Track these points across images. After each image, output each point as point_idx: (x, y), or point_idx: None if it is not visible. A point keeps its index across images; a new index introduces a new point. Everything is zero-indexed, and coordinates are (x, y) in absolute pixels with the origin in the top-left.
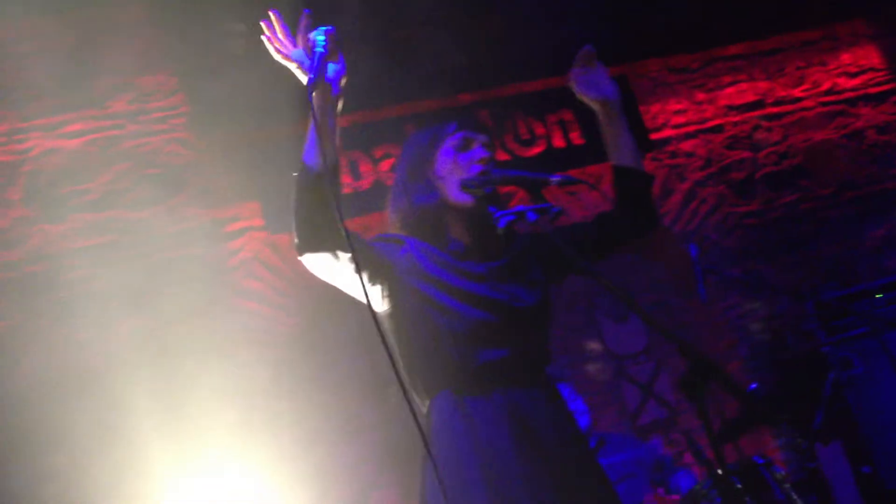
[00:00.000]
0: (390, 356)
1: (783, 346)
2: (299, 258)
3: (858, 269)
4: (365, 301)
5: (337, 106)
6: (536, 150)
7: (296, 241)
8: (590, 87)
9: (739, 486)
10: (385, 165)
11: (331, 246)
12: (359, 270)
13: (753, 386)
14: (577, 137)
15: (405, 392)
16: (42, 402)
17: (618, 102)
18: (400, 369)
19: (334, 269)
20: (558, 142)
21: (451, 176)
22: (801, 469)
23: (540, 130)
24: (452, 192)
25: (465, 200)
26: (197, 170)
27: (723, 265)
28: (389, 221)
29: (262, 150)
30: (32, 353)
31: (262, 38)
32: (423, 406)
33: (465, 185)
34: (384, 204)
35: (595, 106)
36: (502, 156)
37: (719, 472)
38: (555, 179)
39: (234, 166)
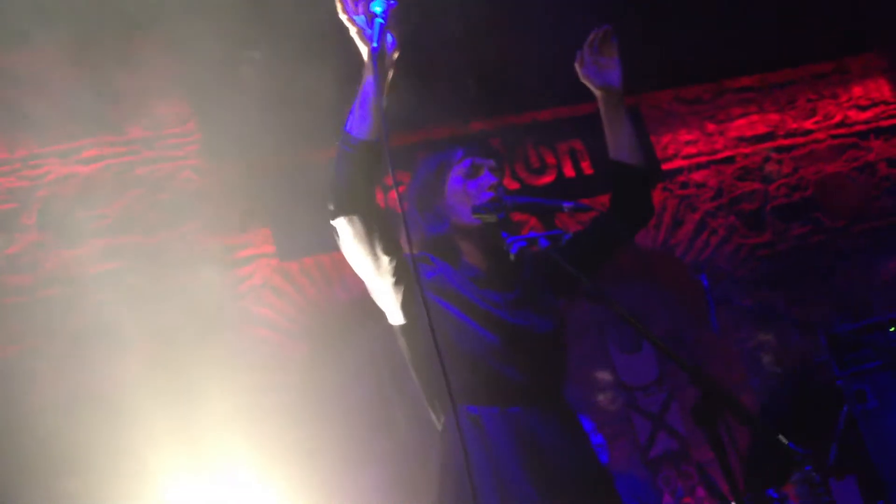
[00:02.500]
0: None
1: (796, 379)
2: (332, 222)
3: (871, 301)
4: (388, 308)
5: (386, 80)
6: (547, 178)
7: (331, 205)
8: (595, 73)
9: None
10: (394, 193)
11: (365, 212)
12: (400, 282)
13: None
14: (587, 167)
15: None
16: (54, 425)
17: (620, 92)
18: (416, 386)
19: (364, 241)
20: (569, 171)
21: (462, 204)
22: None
23: (551, 160)
24: (464, 219)
25: (477, 226)
26: (209, 196)
27: (734, 296)
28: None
29: (274, 177)
30: (45, 377)
31: None
32: (438, 423)
33: (476, 212)
34: (396, 233)
35: (597, 93)
36: (512, 184)
37: None
38: (567, 206)
39: (245, 193)
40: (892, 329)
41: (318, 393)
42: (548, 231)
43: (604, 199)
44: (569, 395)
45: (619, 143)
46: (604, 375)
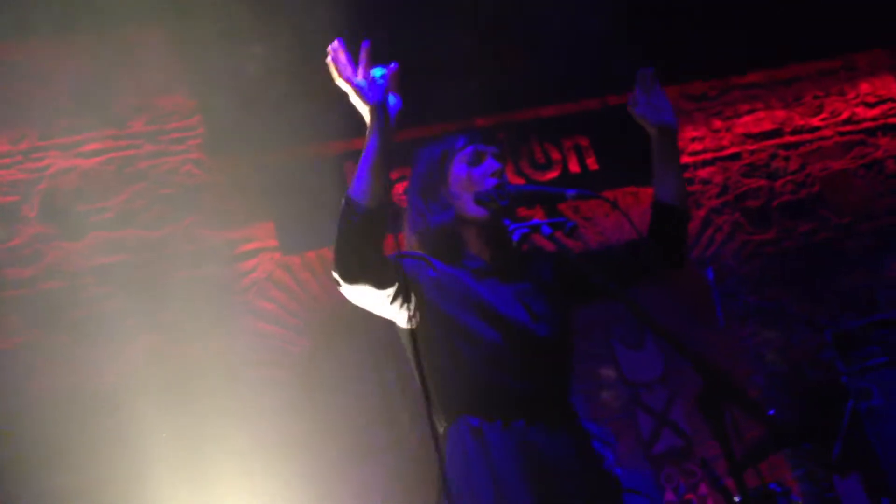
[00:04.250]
0: (421, 375)
1: (801, 375)
2: (339, 288)
3: (878, 299)
4: (401, 325)
5: (391, 141)
6: (552, 174)
7: (336, 272)
8: (651, 112)
9: None
10: (400, 188)
11: (373, 279)
12: (406, 302)
13: (771, 413)
14: (592, 163)
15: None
16: (53, 419)
17: (675, 131)
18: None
19: (372, 300)
20: (574, 167)
21: (466, 192)
22: (819, 500)
23: (556, 155)
24: (468, 207)
25: (481, 214)
26: (211, 190)
27: (740, 293)
28: (407, 243)
29: (277, 171)
30: (45, 371)
31: (327, 60)
32: (439, 428)
33: (479, 199)
34: (400, 225)
35: (652, 131)
36: (517, 180)
37: (736, 499)
38: (570, 194)
39: (248, 187)
40: None
41: (319, 387)
42: (551, 218)
43: (609, 195)
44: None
45: (667, 183)
46: (608, 372)
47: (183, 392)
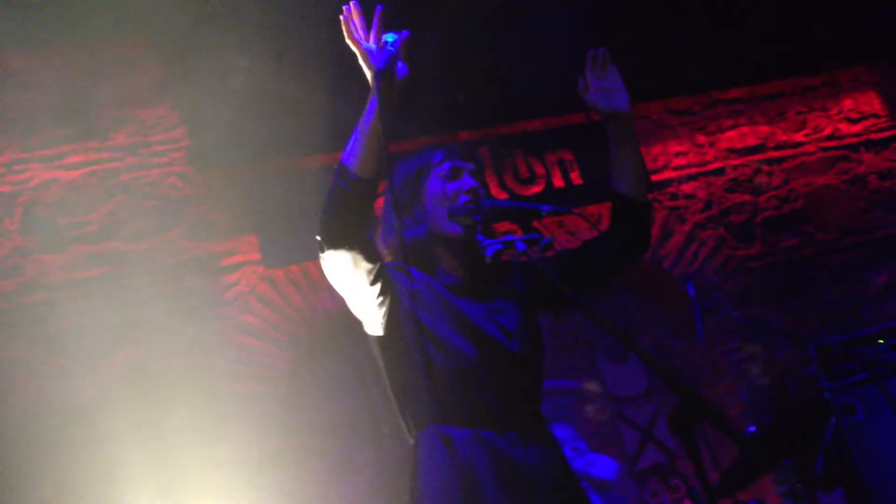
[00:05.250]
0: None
1: (784, 390)
2: (321, 255)
3: (861, 314)
4: (367, 321)
5: (391, 110)
6: (536, 188)
7: (319, 237)
8: (602, 97)
9: None
10: (381, 201)
11: (354, 248)
12: (384, 294)
13: (752, 429)
14: (576, 177)
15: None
16: (31, 434)
17: (629, 115)
18: (390, 398)
19: (350, 275)
20: (558, 181)
21: (440, 207)
22: None
23: (540, 169)
24: (441, 223)
25: (454, 231)
26: (195, 203)
27: (723, 308)
28: (380, 254)
29: (260, 184)
30: (23, 385)
31: (340, 17)
32: (410, 438)
33: (452, 214)
34: (375, 237)
35: (604, 118)
36: (501, 194)
37: None
38: (545, 210)
39: (231, 200)
40: (881, 341)
41: (303, 402)
42: (525, 234)
43: (593, 210)
44: (557, 405)
45: (623, 172)
46: (592, 386)
47: (163, 406)
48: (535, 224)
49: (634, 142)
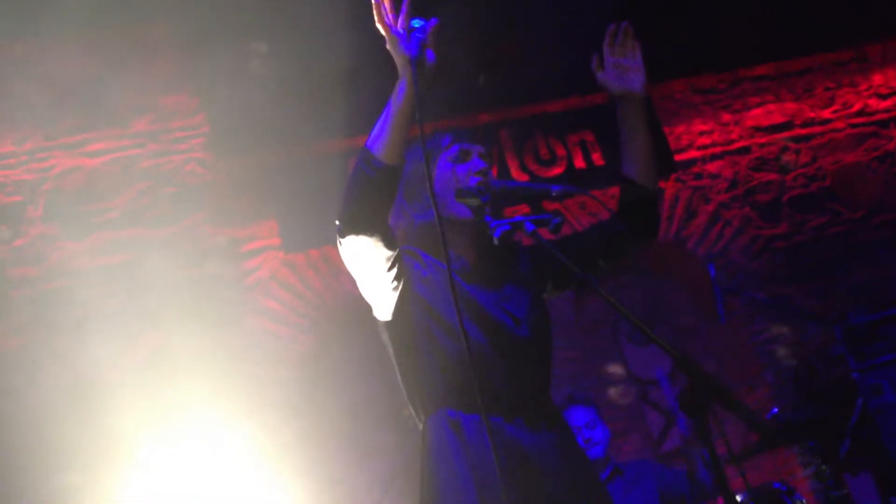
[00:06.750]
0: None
1: (811, 371)
2: (339, 239)
3: (890, 293)
4: (377, 306)
5: (418, 97)
6: (557, 170)
7: (339, 221)
8: (616, 76)
9: None
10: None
11: (375, 234)
12: (398, 280)
13: (775, 410)
14: (598, 158)
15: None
16: (56, 419)
17: (642, 97)
18: (399, 383)
19: (368, 261)
20: (579, 163)
21: (449, 192)
22: (827, 498)
23: (561, 151)
24: (450, 206)
25: (462, 213)
26: (215, 189)
27: (749, 289)
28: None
29: (280, 170)
30: (48, 370)
31: (372, 0)
32: (419, 422)
33: (459, 195)
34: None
35: (616, 98)
36: (522, 176)
37: (739, 498)
38: (555, 190)
39: (251, 186)
40: None
41: (324, 385)
42: (535, 215)
43: (615, 191)
44: (581, 386)
45: (633, 156)
46: (616, 369)
47: (187, 390)
48: (558, 206)
49: (646, 125)
